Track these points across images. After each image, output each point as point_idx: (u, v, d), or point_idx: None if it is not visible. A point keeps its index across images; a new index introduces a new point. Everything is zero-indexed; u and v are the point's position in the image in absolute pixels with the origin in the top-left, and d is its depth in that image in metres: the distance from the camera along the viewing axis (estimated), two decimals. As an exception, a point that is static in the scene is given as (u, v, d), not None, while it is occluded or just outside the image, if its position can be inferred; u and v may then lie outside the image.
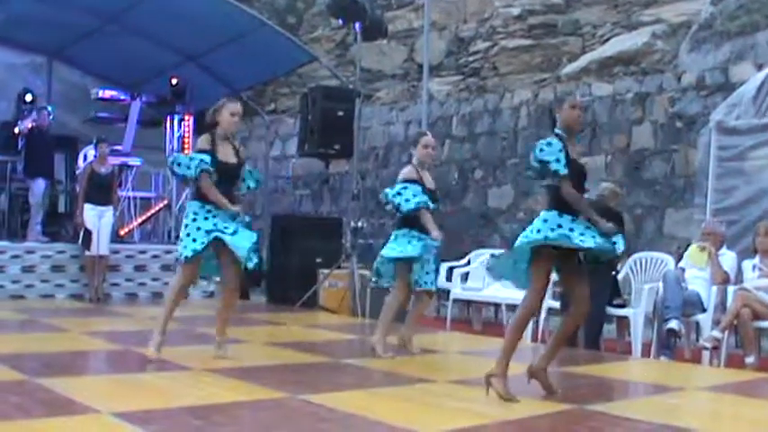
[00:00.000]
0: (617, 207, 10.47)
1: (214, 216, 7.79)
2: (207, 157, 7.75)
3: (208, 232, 7.73)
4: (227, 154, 7.92)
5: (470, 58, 18.38)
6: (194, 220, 7.79)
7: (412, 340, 8.94)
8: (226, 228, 7.77)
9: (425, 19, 14.83)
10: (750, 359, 9.15)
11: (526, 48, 17.58)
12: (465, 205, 15.26)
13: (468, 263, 13.10)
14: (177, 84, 16.26)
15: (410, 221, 8.60)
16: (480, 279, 12.64)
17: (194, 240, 7.73)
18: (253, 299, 14.74)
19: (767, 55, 13.02)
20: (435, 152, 9.06)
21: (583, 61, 16.24)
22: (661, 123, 12.94)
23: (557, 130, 6.62)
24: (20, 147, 15.10)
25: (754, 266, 9.83)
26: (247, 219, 8.14)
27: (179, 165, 7.84)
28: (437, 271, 9.23)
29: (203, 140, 7.92)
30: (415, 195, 8.46)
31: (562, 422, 6.01)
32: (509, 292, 11.35)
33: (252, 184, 8.41)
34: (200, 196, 7.86)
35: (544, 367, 6.90)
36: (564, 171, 6.45)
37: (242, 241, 7.77)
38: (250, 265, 7.95)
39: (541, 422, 5.93)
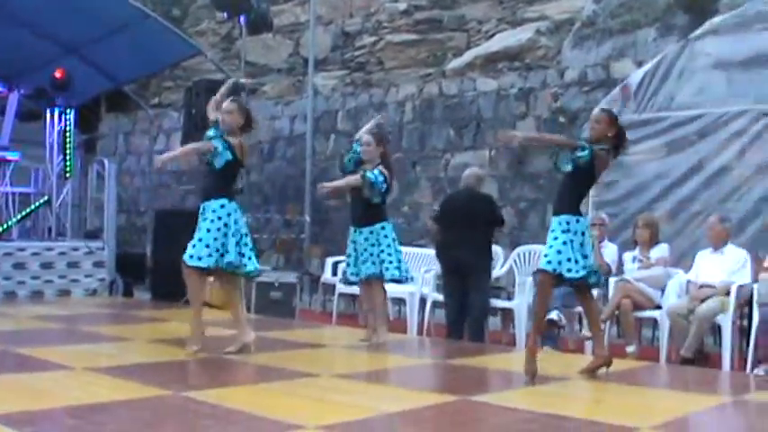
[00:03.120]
0: (481, 189, 10.61)
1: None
2: None
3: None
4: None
5: (356, 53, 18.39)
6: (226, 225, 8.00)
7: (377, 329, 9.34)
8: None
9: (311, 13, 14.82)
10: (631, 348, 9.38)
11: (412, 42, 17.64)
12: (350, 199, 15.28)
13: (354, 257, 13.09)
14: (62, 76, 15.92)
15: None
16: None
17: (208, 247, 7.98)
18: (137, 295, 14.55)
19: (647, 52, 13.25)
20: (369, 147, 9.15)
21: (468, 56, 16.34)
22: (544, 118, 13.09)
23: None
24: None
25: (634, 258, 10.06)
26: None
27: None
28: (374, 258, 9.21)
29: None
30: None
31: (447, 413, 6.03)
32: (392, 287, 11.36)
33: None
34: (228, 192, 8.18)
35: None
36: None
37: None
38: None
39: (426, 413, 5.94)
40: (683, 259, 10.31)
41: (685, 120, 10.99)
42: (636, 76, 11.54)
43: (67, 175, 16.05)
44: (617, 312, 9.55)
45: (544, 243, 11.39)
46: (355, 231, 9.27)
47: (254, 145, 16.69)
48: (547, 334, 9.75)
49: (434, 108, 14.38)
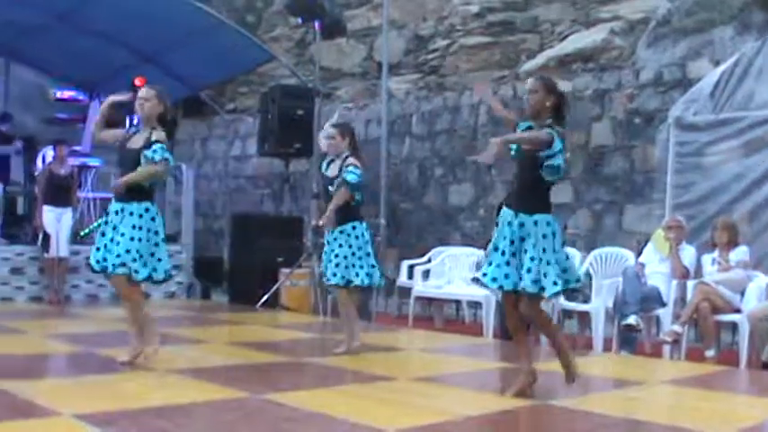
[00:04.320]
0: None
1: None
2: None
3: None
4: (135, 140, 7.61)
5: (429, 56, 18.40)
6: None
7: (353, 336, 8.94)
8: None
9: (384, 17, 14.84)
10: (710, 352, 9.24)
11: (485, 45, 17.61)
12: (425, 203, 15.28)
13: (429, 260, 13.12)
14: (142, 84, 16.14)
15: None
16: (441, 276, 12.68)
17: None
18: (214, 298, 14.72)
19: (724, 51, 13.11)
20: (334, 140, 8.85)
21: (541, 58, 16.28)
22: (620, 120, 13.00)
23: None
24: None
25: (713, 260, 9.92)
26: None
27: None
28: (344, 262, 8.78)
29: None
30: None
31: (525, 417, 6.04)
32: (470, 289, 11.40)
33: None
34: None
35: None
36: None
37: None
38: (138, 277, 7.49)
39: (505, 418, 5.95)
40: (763, 262, 10.17)
41: (764, 119, 10.79)
42: (713, 75, 11.40)
43: (147, 180, 16.28)
44: (695, 316, 9.44)
45: (620, 245, 11.44)
46: (331, 233, 8.81)
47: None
48: (625, 338, 9.71)
49: (509, 110, 14.34)
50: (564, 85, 13.61)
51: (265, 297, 12.85)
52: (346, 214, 8.70)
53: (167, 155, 7.50)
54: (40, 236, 13.42)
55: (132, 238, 7.33)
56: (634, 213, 12.63)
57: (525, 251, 6.26)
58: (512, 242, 6.31)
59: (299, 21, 15.42)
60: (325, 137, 9.01)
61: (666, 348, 9.48)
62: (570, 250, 10.94)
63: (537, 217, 6.33)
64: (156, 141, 7.43)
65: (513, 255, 6.28)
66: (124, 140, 7.65)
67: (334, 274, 8.67)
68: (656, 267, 10.14)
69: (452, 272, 12.69)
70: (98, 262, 7.51)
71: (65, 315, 12.14)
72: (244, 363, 8.09)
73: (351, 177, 8.57)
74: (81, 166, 15.37)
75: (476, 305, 12.34)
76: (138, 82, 15.79)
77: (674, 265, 9.94)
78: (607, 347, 9.97)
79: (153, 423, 5.56)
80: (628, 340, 9.72)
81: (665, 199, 11.44)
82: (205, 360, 8.07)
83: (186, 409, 5.98)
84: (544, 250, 6.27)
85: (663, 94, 12.61)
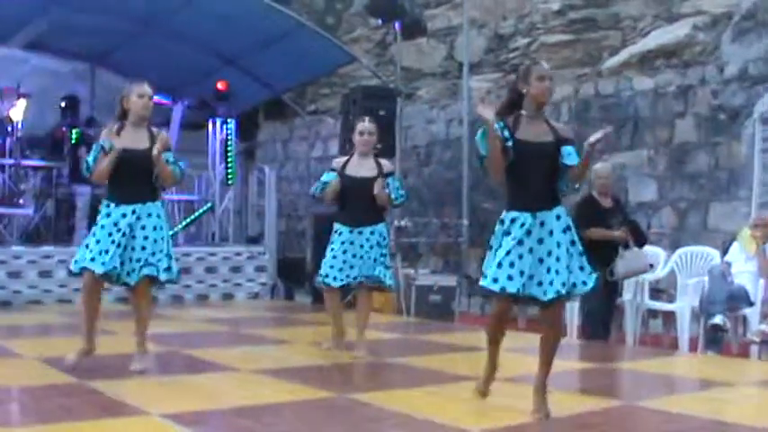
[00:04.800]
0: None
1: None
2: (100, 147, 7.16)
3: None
4: (135, 140, 7.21)
5: (510, 55, 18.32)
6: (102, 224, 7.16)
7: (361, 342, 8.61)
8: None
9: (464, 16, 14.83)
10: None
11: (566, 43, 17.50)
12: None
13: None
14: (224, 88, 16.33)
15: (336, 213, 8.75)
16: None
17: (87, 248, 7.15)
18: (298, 299, 14.79)
19: (813, 44, 12.90)
20: (372, 138, 8.54)
21: (624, 55, 16.13)
22: (704, 116, 12.83)
23: (522, 111, 5.81)
24: (65, 153, 15.28)
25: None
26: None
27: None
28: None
29: (104, 132, 7.29)
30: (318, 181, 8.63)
31: (611, 418, 5.99)
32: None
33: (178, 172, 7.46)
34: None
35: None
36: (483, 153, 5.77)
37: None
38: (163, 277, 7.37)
39: (590, 419, 5.90)
40: None
41: None
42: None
43: (229, 182, 16.49)
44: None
45: (705, 244, 11.29)
46: (352, 232, 8.44)
47: (410, 149, 16.81)
48: (711, 338, 9.59)
49: (591, 108, 14.24)
50: (646, 82, 13.53)
51: (348, 297, 12.86)
52: (380, 214, 8.59)
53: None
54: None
55: (156, 240, 7.22)
56: (719, 211, 12.46)
57: (550, 253, 5.65)
58: (520, 242, 5.62)
59: (380, 21, 15.45)
60: (368, 132, 8.55)
61: (754, 348, 9.34)
62: (654, 249, 10.87)
63: (558, 210, 5.77)
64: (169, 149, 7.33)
65: (520, 257, 5.60)
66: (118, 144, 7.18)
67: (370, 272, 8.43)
68: (742, 266, 9.99)
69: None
70: (115, 267, 7.08)
71: (150, 315, 12.27)
72: (328, 363, 8.12)
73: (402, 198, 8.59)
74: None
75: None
76: (220, 86, 15.99)
77: (761, 263, 9.78)
78: (693, 348, 9.86)
79: (239, 422, 5.61)
80: (714, 340, 9.58)
81: (751, 196, 11.28)
82: (289, 360, 8.12)
83: (271, 408, 6.02)
84: (573, 243, 5.74)
85: (748, 90, 12.42)
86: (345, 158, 8.61)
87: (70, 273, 7.42)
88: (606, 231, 9.94)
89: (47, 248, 13.53)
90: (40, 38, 15.65)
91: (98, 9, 14.79)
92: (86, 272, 7.11)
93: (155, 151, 7.07)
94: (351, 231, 8.39)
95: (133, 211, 7.09)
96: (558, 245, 5.65)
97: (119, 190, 7.16)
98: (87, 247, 7.11)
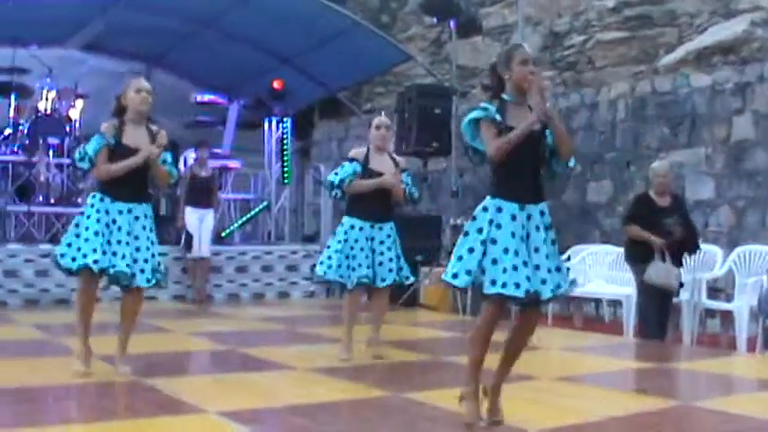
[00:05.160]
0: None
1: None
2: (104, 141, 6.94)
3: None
4: (137, 139, 7.02)
5: (566, 53, 18.23)
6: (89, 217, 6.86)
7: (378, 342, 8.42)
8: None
9: (519, 14, 14.78)
10: None
11: (622, 40, 17.38)
12: (564, 200, 15.13)
13: (569, 258, 13.01)
14: (280, 87, 16.40)
15: (350, 207, 8.30)
16: (581, 274, 12.55)
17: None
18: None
19: None
20: (387, 132, 8.40)
21: (680, 52, 16.00)
22: (763, 113, 12.69)
23: (503, 96, 5.51)
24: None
25: None
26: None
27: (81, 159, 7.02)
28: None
29: (105, 127, 7.04)
30: (336, 174, 8.23)
31: (668, 419, 5.94)
32: (610, 288, 11.29)
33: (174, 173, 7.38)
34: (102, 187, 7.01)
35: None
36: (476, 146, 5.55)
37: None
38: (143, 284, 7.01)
39: (647, 419, 5.85)
40: None
41: None
42: None
43: (285, 181, 16.56)
44: None
45: (764, 243, 11.17)
46: (373, 227, 8.12)
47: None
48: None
49: (647, 106, 14.13)
50: (703, 79, 13.41)
51: (405, 296, 12.88)
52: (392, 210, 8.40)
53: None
54: (183, 236, 13.72)
55: (154, 243, 7.10)
56: (779, 209, 12.33)
57: (537, 249, 5.34)
58: (513, 235, 5.27)
59: (435, 20, 15.45)
60: (384, 126, 8.36)
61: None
62: (712, 248, 10.76)
63: (542, 206, 5.47)
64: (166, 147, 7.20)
65: (516, 253, 5.24)
66: (119, 139, 6.99)
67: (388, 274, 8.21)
68: (802, 265, 9.89)
69: (592, 270, 12.56)
70: (128, 267, 6.86)
71: (207, 314, 12.38)
72: (383, 361, 8.12)
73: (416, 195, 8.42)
74: (221, 167, 15.68)
75: (615, 304, 12.19)
76: (276, 85, 16.07)
77: None
78: (751, 348, 9.75)
79: (295, 421, 5.63)
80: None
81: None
82: (345, 359, 8.11)
83: (327, 407, 6.04)
84: (553, 242, 5.44)
85: (808, 87, 12.29)
86: (364, 150, 8.29)
87: (69, 272, 6.89)
88: (643, 233, 9.84)
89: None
90: (98, 39, 15.84)
91: (154, 10, 14.93)
92: (86, 270, 6.75)
93: (154, 152, 6.96)
94: (372, 226, 8.08)
95: (129, 210, 6.90)
96: (545, 241, 5.36)
97: (116, 187, 6.88)
98: (87, 241, 6.74)
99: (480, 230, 5.30)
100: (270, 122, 16.97)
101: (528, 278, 5.21)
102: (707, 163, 13.07)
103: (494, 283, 5.19)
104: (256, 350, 8.57)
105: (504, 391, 5.48)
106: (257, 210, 16.66)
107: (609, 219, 14.17)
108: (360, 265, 8.01)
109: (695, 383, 7.72)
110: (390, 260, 8.12)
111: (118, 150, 6.90)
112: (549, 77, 17.71)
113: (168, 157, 7.23)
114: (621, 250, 10.85)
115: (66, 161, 14.89)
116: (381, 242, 8.11)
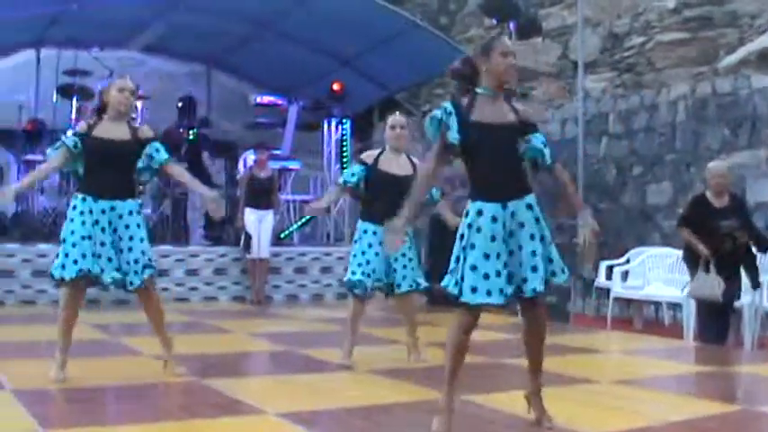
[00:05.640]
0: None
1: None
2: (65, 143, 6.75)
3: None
4: (111, 131, 6.78)
5: (625, 54, 18.11)
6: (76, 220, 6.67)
7: (416, 346, 8.27)
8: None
9: (579, 15, 14.71)
10: None
11: (682, 41, 17.24)
12: (623, 202, 15.04)
13: (628, 261, 12.95)
14: (340, 89, 16.45)
15: (363, 211, 8.13)
16: (641, 277, 12.49)
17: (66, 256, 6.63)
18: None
19: None
20: (404, 131, 8.06)
21: (741, 53, 15.84)
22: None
23: (478, 89, 5.35)
24: (182, 153, 15.56)
25: None
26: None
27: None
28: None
29: (80, 126, 6.93)
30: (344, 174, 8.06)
31: (730, 424, 5.88)
32: (670, 291, 11.21)
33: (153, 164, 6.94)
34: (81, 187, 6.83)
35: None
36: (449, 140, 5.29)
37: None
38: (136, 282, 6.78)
39: (709, 424, 5.80)
40: None
41: None
42: None
43: (344, 182, 16.58)
44: None
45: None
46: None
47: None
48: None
49: (707, 107, 14.01)
50: (765, 80, 13.27)
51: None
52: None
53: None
54: (242, 237, 13.81)
55: (142, 239, 6.78)
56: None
57: (521, 247, 5.20)
58: (493, 239, 5.16)
59: (494, 21, 15.42)
60: (400, 126, 8.09)
61: None
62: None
63: (529, 199, 5.30)
64: (155, 139, 7.00)
65: (498, 256, 5.15)
66: (90, 130, 6.79)
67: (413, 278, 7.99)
68: None
69: (652, 272, 12.49)
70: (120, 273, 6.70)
71: (266, 315, 12.46)
72: (441, 364, 8.11)
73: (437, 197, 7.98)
74: (281, 169, 15.75)
75: (675, 306, 12.10)
76: (335, 86, 16.11)
77: None
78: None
79: (353, 422, 5.66)
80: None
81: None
82: (403, 360, 8.13)
83: (385, 408, 6.06)
84: (542, 236, 5.28)
85: None
86: (377, 152, 8.10)
87: (60, 281, 6.65)
88: (693, 241, 9.75)
89: (165, 248, 13.78)
90: (158, 41, 15.99)
91: (213, 12, 15.04)
92: (74, 279, 6.56)
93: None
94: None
95: (112, 208, 6.67)
96: (532, 237, 5.20)
97: (95, 184, 6.70)
98: (74, 246, 6.57)
99: (462, 237, 5.26)
100: (329, 124, 17.04)
101: (507, 282, 5.15)
102: (767, 164, 12.95)
103: (474, 290, 5.13)
104: (315, 351, 8.61)
105: (562, 394, 5.47)
106: (316, 211, 16.74)
107: (668, 221, 14.05)
108: (374, 271, 7.87)
109: (756, 387, 7.64)
110: (404, 267, 7.91)
111: (88, 142, 6.72)
112: (608, 79, 17.63)
113: (162, 148, 7.00)
114: (681, 252, 10.77)
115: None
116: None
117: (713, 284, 9.50)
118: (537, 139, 5.38)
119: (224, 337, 10.03)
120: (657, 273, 12.43)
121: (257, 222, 13.60)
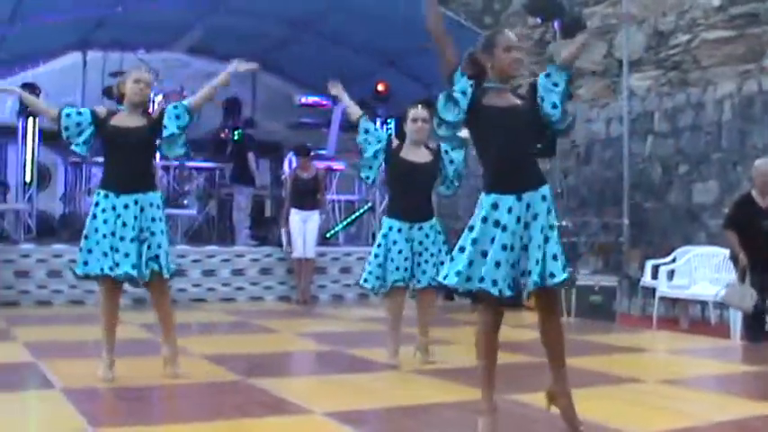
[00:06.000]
0: None
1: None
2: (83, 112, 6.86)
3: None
4: (128, 121, 6.84)
5: (671, 52, 18.00)
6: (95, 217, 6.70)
7: (426, 346, 8.19)
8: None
9: (624, 13, 14.64)
10: None
11: (728, 39, 17.12)
12: (669, 201, 14.98)
13: (674, 260, 12.89)
14: (385, 89, 16.47)
15: (389, 207, 8.26)
16: (687, 276, 12.43)
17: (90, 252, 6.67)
18: (457, 299, 14.81)
19: None
20: (426, 124, 7.90)
21: (788, 50, 15.75)
22: None
23: (485, 84, 5.24)
24: (227, 154, 15.65)
25: None
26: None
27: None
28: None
29: (100, 109, 6.97)
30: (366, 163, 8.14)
31: (777, 423, 5.86)
32: (716, 290, 11.14)
33: (174, 130, 7.01)
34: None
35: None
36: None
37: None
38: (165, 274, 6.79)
39: (755, 423, 5.78)
40: None
41: None
42: None
43: (389, 182, 16.63)
44: None
45: None
46: (412, 228, 7.87)
47: (570, 148, 16.69)
48: None
49: (754, 105, 13.92)
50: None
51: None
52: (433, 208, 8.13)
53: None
54: (286, 238, 13.87)
55: (163, 232, 6.78)
56: None
57: (531, 239, 5.02)
58: (504, 229, 4.97)
59: (539, 20, 15.39)
60: (422, 119, 8.01)
61: None
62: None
63: (544, 190, 5.12)
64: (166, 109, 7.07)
65: (512, 248, 4.99)
66: (107, 120, 6.86)
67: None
68: None
69: (698, 272, 12.43)
70: (134, 267, 6.61)
71: (312, 314, 12.51)
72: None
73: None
74: (326, 169, 15.80)
75: (722, 306, 12.03)
76: (380, 87, 16.13)
77: None
78: None
79: (401, 422, 5.69)
80: None
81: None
82: (450, 360, 8.14)
83: (432, 408, 6.09)
84: (551, 227, 5.08)
85: None
86: (398, 143, 8.11)
87: (79, 277, 6.80)
88: (735, 246, 9.71)
89: (211, 248, 13.88)
90: (202, 42, 16.09)
91: (256, 13, 15.11)
92: (104, 276, 6.63)
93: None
94: (410, 228, 7.84)
95: (135, 202, 6.65)
96: (542, 229, 5.01)
97: (115, 176, 6.74)
98: (97, 244, 6.61)
99: (471, 228, 5.05)
100: (374, 124, 17.05)
101: (521, 275, 5.02)
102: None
103: (482, 280, 4.94)
104: (361, 351, 8.65)
105: (608, 393, 5.46)
106: (361, 211, 16.77)
107: (715, 220, 13.97)
108: (397, 269, 7.86)
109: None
110: (426, 262, 7.87)
111: (105, 129, 6.78)
112: (653, 77, 17.54)
113: (179, 104, 7.26)
114: (727, 252, 10.71)
115: (173, 163, 15.18)
116: (420, 242, 7.87)
117: (745, 295, 9.47)
118: (547, 101, 5.25)
119: (270, 337, 10.09)
120: (703, 272, 12.37)
121: (302, 223, 13.66)
